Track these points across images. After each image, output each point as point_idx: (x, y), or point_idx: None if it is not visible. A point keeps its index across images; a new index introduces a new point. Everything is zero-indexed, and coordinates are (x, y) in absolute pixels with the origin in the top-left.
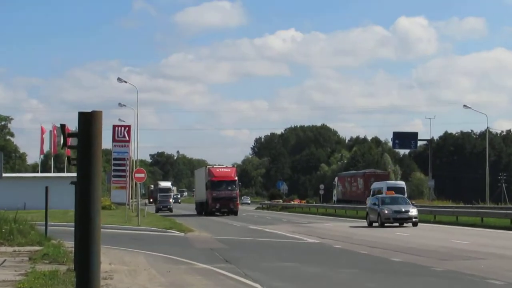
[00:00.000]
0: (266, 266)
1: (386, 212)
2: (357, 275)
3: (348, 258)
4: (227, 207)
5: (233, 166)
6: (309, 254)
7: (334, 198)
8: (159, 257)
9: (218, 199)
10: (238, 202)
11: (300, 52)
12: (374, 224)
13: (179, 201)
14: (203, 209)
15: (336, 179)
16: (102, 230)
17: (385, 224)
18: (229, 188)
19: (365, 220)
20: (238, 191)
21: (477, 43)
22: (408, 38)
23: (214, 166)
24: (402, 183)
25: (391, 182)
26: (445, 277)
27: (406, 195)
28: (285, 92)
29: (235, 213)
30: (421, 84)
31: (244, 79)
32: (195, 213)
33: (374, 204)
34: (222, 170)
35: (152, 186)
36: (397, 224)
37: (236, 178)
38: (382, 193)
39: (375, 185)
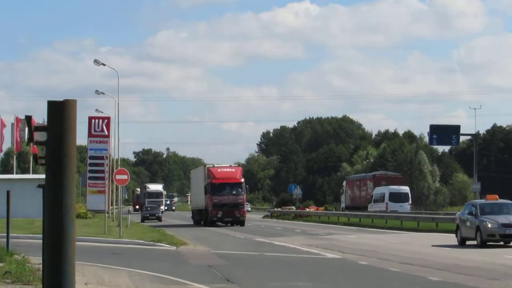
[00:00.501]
0: (275, 286)
1: (489, 226)
2: None
3: (375, 276)
4: (232, 216)
5: (238, 165)
6: (327, 272)
7: (342, 205)
8: (145, 275)
9: (221, 206)
10: (245, 209)
11: (316, 28)
12: (469, 242)
13: (173, 208)
14: (202, 218)
15: (344, 183)
16: (76, 243)
17: (488, 243)
18: (234, 192)
19: (398, 231)
20: (245, 195)
21: None
22: (449, 12)
23: (215, 166)
24: (406, 188)
25: (394, 187)
26: None
27: (410, 202)
28: (299, 78)
29: (241, 223)
30: (465, 68)
31: (249, 61)
32: (192, 222)
33: (470, 213)
34: (225, 170)
35: (139, 190)
36: (502, 243)
37: (243, 180)
38: (385, 199)
39: (378, 190)
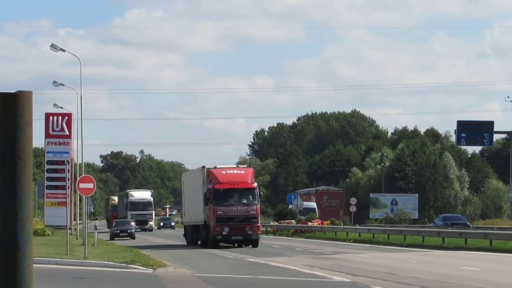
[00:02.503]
0: None
1: None
2: None
3: None
4: (242, 233)
5: (249, 165)
6: None
7: None
8: None
9: (227, 220)
10: (259, 224)
11: (319, 6)
12: None
13: (173, 224)
14: (199, 237)
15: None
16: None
17: None
18: (245, 200)
19: (420, 250)
20: (259, 205)
21: None
22: None
23: (218, 167)
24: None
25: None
26: None
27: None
28: (299, 65)
29: (254, 242)
30: (499, 52)
31: (239, 46)
32: (183, 242)
33: None
34: (232, 172)
35: (116, 199)
36: None
37: (255, 184)
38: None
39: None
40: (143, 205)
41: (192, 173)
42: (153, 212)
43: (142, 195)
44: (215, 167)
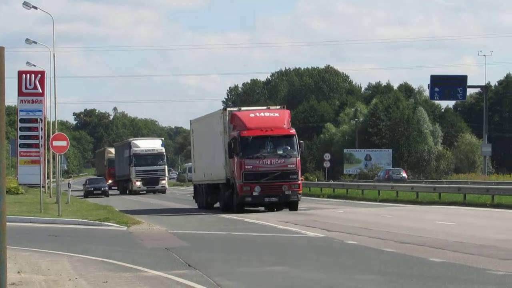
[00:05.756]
0: (247, 272)
1: None
2: (380, 284)
3: (367, 258)
4: (278, 194)
5: (284, 107)
6: (309, 253)
7: None
8: (90, 261)
9: (258, 177)
10: (300, 181)
11: None
12: None
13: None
14: (218, 199)
15: None
16: (7, 223)
17: None
18: (281, 151)
19: (394, 204)
20: (299, 158)
21: None
22: None
23: (243, 109)
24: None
25: None
26: (509, 284)
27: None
28: (273, 20)
29: (292, 205)
30: (473, 6)
31: (213, 1)
32: (194, 206)
33: None
34: (262, 115)
35: (113, 152)
36: None
37: (293, 130)
38: None
39: None
40: (152, 158)
41: (208, 119)
42: (166, 167)
43: (150, 144)
44: (239, 109)
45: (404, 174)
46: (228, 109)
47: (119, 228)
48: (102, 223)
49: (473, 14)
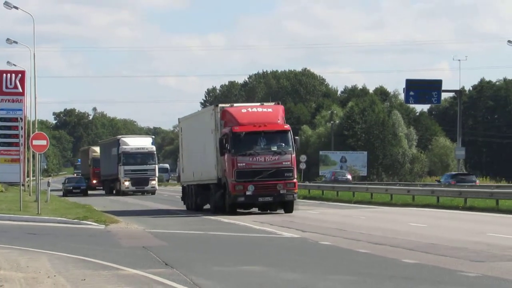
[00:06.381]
0: (223, 270)
1: None
2: (353, 284)
3: (341, 259)
4: (272, 193)
5: (278, 102)
6: (284, 253)
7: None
8: (69, 259)
9: (251, 175)
10: (295, 180)
11: None
12: None
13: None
14: (208, 200)
15: None
16: None
17: None
18: (275, 148)
19: (368, 206)
20: (294, 154)
21: None
22: None
23: (235, 105)
24: None
25: None
26: (480, 286)
27: None
28: (250, 22)
29: (288, 205)
30: (448, 12)
31: (192, 3)
32: (182, 207)
33: None
34: (255, 110)
35: (97, 150)
36: None
37: (288, 126)
38: None
39: None
40: (142, 157)
41: (198, 116)
42: (156, 167)
43: (140, 142)
44: (231, 105)
45: (349, 176)
46: (220, 105)
47: (97, 227)
48: (81, 221)
49: (448, 19)
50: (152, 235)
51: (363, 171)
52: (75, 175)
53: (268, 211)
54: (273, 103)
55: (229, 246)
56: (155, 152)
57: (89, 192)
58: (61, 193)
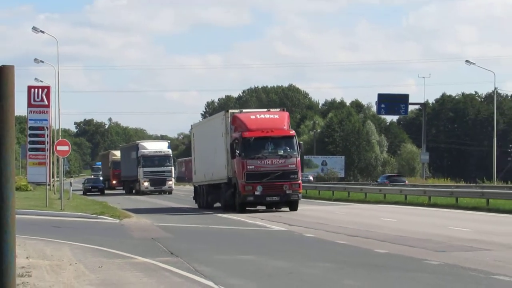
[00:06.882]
0: (221, 259)
1: None
2: (333, 270)
3: (323, 249)
4: (279, 193)
5: (283, 109)
6: (273, 244)
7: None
8: (88, 249)
9: (260, 177)
10: (300, 181)
11: None
12: None
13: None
14: (218, 199)
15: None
16: (17, 216)
17: None
18: (282, 152)
19: (346, 203)
20: (299, 158)
21: None
22: None
23: (244, 111)
24: None
25: None
26: (442, 273)
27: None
28: (244, 45)
29: (293, 204)
30: (414, 35)
31: (193, 28)
32: (194, 205)
33: None
34: (263, 117)
35: (117, 154)
36: None
37: (293, 131)
38: None
39: None
40: (159, 159)
41: (209, 122)
42: (173, 168)
43: (157, 146)
44: (241, 111)
45: (311, 178)
46: (230, 110)
47: (112, 221)
48: (98, 216)
49: (414, 41)
50: (160, 228)
51: (341, 173)
52: (92, 176)
53: (274, 209)
54: (279, 109)
55: (226, 238)
56: (171, 155)
57: (109, 191)
58: (81, 192)
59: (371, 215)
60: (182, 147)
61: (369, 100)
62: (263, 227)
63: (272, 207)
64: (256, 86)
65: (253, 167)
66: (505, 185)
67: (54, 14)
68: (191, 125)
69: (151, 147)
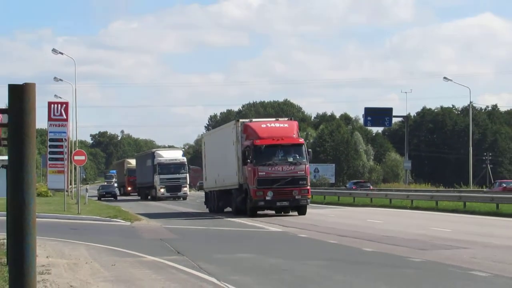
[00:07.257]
0: (222, 257)
1: None
2: (324, 267)
3: (315, 248)
4: (288, 198)
5: (291, 118)
6: (270, 243)
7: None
8: (102, 249)
9: (270, 183)
10: (309, 186)
11: (259, 19)
12: None
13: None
14: (229, 204)
15: None
16: (37, 219)
17: None
18: (291, 159)
19: (336, 207)
20: (308, 165)
21: (461, 8)
22: (382, 2)
23: (254, 120)
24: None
25: None
26: (424, 269)
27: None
28: (244, 64)
29: (302, 209)
30: (397, 55)
31: (197, 49)
32: (205, 209)
33: None
34: (273, 126)
35: (133, 162)
36: None
37: (302, 140)
38: None
39: None
40: (175, 167)
41: (220, 131)
42: (188, 176)
43: (172, 154)
44: (251, 121)
45: None
46: (241, 120)
47: (124, 224)
48: (112, 219)
49: (396, 60)
50: (167, 230)
51: (332, 179)
52: (106, 183)
53: (282, 213)
54: (287, 119)
55: (227, 238)
56: (186, 163)
57: (124, 197)
58: (96, 197)
59: (359, 217)
60: (188, 157)
61: (357, 113)
62: (260, 228)
63: (281, 211)
64: (255, 101)
65: (264, 173)
66: (480, 189)
67: (72, 37)
68: (202, 134)
69: (166, 155)
